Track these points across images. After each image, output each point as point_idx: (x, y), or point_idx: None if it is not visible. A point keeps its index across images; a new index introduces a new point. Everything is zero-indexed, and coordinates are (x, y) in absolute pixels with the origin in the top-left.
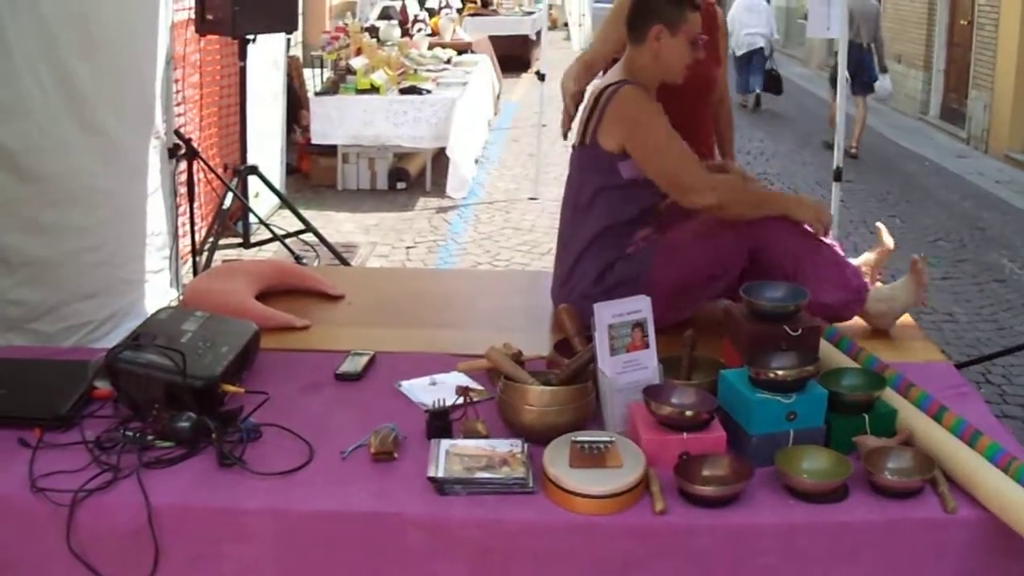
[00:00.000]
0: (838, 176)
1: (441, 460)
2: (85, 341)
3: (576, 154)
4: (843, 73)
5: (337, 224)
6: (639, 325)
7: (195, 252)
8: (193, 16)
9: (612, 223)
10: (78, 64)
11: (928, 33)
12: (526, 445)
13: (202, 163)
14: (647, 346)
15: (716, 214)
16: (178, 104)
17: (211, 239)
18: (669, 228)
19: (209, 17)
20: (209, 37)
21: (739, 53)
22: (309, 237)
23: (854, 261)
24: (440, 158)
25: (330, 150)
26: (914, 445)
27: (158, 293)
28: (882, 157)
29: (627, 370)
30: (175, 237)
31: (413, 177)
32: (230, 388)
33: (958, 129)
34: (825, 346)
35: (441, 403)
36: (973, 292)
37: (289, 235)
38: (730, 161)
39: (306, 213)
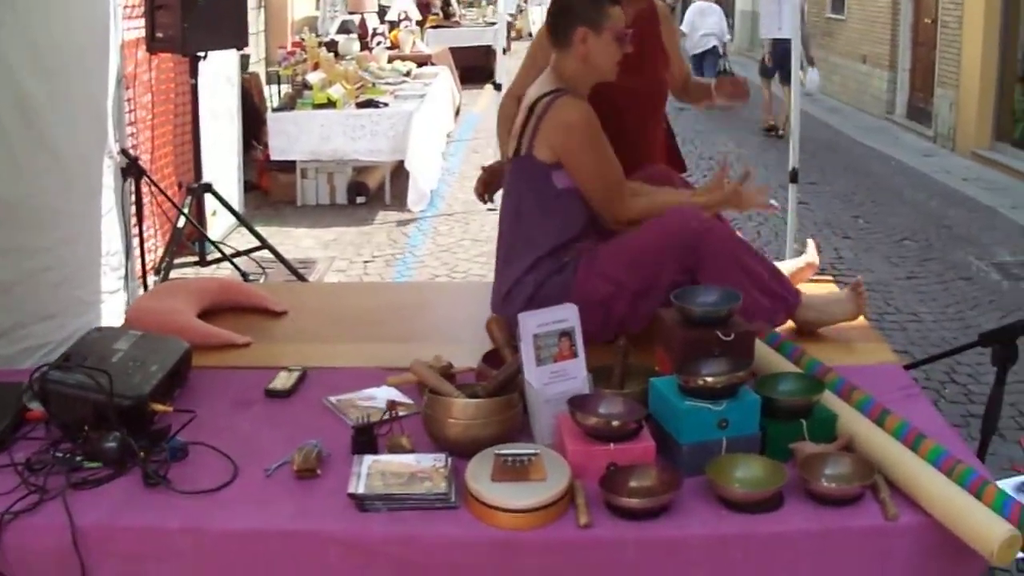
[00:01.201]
0: (794, 177)
1: (363, 476)
2: (44, 362)
3: (512, 166)
4: (796, 70)
5: (296, 240)
6: (566, 334)
7: (145, 272)
8: (144, 35)
9: (558, 244)
10: (31, 86)
11: (893, 33)
12: (450, 459)
13: (150, 182)
14: (575, 355)
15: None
16: (131, 123)
17: (167, 259)
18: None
19: (159, 35)
20: (162, 55)
21: (693, 53)
22: (267, 254)
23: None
24: (400, 171)
25: (289, 166)
26: (855, 450)
27: (114, 313)
28: (848, 157)
29: (555, 380)
30: (129, 257)
31: (373, 191)
32: (159, 407)
33: (925, 128)
34: (765, 351)
35: (366, 419)
36: (939, 291)
37: (239, 253)
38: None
39: (265, 229)
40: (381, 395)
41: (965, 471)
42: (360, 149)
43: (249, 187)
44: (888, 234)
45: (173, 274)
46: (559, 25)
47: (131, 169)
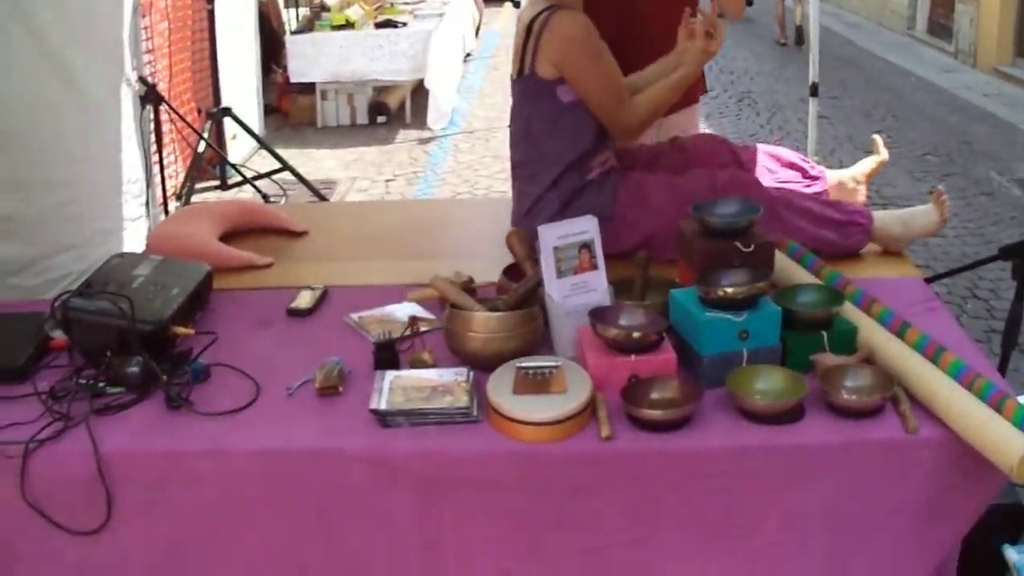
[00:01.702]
0: (814, 91)
1: (384, 392)
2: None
3: (516, 86)
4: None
5: (317, 161)
6: (586, 246)
7: (166, 198)
8: None
9: (574, 159)
10: (46, 17)
11: None
12: (472, 373)
13: (168, 108)
14: (595, 267)
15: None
16: (149, 51)
17: (188, 184)
18: (631, 158)
19: None
20: None
21: None
22: (289, 176)
23: (847, 172)
24: (420, 90)
25: (309, 88)
26: (875, 363)
27: (137, 240)
28: (869, 73)
29: (575, 293)
30: (150, 184)
31: (393, 110)
32: (181, 331)
33: (945, 44)
34: (785, 263)
35: (387, 335)
36: (961, 206)
37: (259, 176)
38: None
39: (286, 152)
40: (402, 311)
41: (985, 385)
42: (379, 69)
43: (269, 110)
44: (910, 149)
45: (194, 199)
46: None
47: (149, 96)
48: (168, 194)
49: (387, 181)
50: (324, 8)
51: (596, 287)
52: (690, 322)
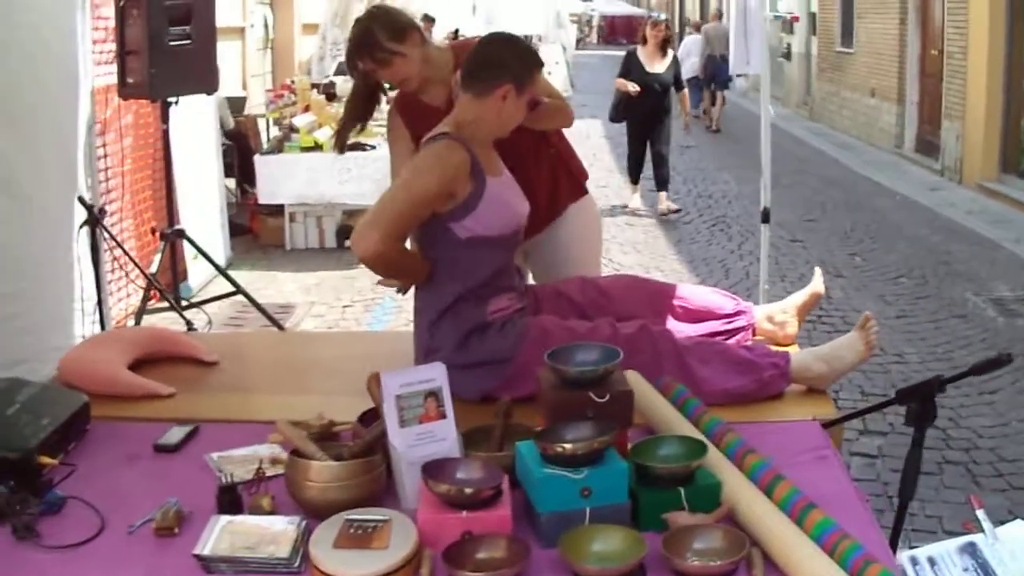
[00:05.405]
0: (765, 217)
1: (212, 537)
2: None
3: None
4: (766, 106)
5: (280, 285)
6: (433, 394)
7: (103, 318)
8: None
9: (465, 291)
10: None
11: (900, 65)
12: (304, 523)
13: (105, 231)
14: (443, 416)
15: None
16: (106, 169)
17: (142, 305)
18: (534, 303)
19: (130, 81)
20: (142, 100)
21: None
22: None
23: (777, 304)
24: None
25: (279, 210)
26: (736, 521)
27: None
28: (852, 193)
29: (420, 443)
30: (103, 303)
31: None
32: (46, 460)
33: (932, 161)
34: (666, 411)
35: (230, 477)
36: (929, 330)
37: (204, 301)
38: None
39: (252, 274)
40: (264, 452)
41: (850, 548)
42: (347, 192)
43: (243, 231)
44: (883, 272)
45: (150, 319)
46: (485, 72)
47: (104, 216)
48: (126, 314)
49: (344, 307)
50: (294, 129)
51: (444, 436)
52: (529, 478)
